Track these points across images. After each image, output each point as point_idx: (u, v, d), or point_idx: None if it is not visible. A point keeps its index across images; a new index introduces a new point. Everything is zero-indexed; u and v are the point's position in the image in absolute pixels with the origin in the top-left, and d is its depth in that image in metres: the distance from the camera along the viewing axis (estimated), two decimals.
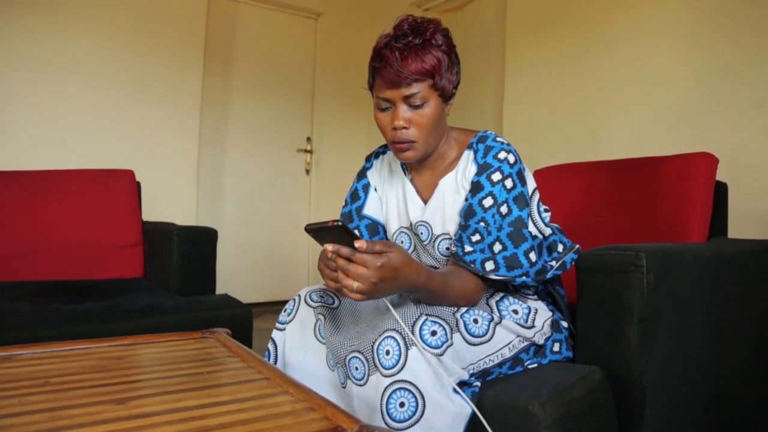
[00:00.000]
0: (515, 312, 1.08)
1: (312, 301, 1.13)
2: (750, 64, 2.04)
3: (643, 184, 1.55)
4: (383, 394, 0.88)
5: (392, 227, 1.23)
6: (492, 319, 1.02)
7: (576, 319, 1.13)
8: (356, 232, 1.22)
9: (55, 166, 2.51)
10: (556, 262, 1.13)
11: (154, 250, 2.19)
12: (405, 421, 0.87)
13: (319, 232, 0.84)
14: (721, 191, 1.48)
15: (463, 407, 0.90)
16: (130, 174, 2.34)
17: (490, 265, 1.03)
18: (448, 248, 1.14)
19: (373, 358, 0.91)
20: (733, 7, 2.10)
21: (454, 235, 1.11)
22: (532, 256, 1.05)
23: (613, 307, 1.05)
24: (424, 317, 0.94)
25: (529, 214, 1.08)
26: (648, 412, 1.01)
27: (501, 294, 1.12)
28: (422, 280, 0.91)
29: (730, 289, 1.24)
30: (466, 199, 1.09)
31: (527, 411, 0.89)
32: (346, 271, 0.85)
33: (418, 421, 0.87)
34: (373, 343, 0.92)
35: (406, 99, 1.03)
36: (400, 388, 0.88)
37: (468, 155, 1.13)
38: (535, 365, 1.09)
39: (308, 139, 3.94)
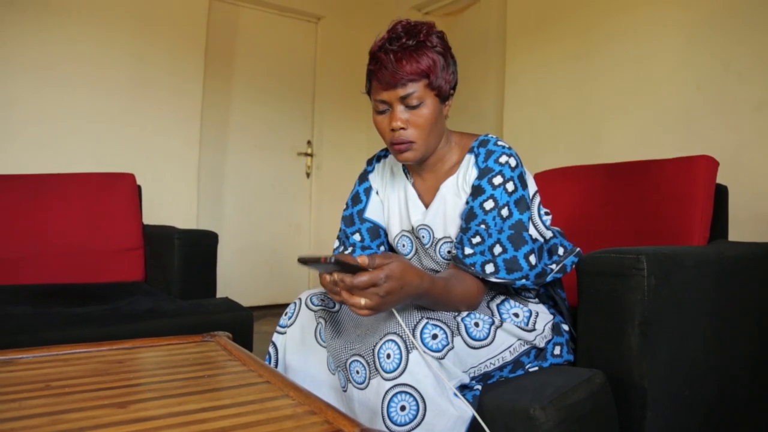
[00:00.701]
0: (516, 315, 1.08)
1: (313, 304, 1.13)
2: (750, 67, 2.05)
3: (644, 187, 1.55)
4: (384, 397, 0.88)
5: (394, 231, 1.23)
6: (493, 322, 1.02)
7: (577, 322, 1.13)
8: (349, 250, 1.22)
9: (56, 170, 2.51)
10: (557, 266, 1.13)
11: (155, 253, 2.19)
12: (406, 424, 0.87)
13: (312, 263, 0.82)
14: (721, 194, 1.48)
15: (464, 411, 0.90)
16: (131, 177, 2.34)
17: (490, 268, 1.03)
18: (449, 252, 1.14)
19: (374, 361, 0.91)
20: (733, 8, 2.11)
21: (455, 238, 1.11)
22: (532, 259, 1.05)
23: (614, 310, 1.05)
24: (425, 321, 0.94)
25: (530, 218, 1.08)
26: (649, 414, 1.01)
27: (502, 297, 1.12)
28: (426, 285, 0.91)
29: (731, 292, 1.24)
30: (467, 203, 1.09)
31: (528, 414, 0.89)
32: (351, 291, 0.84)
33: (419, 424, 0.87)
34: (374, 346, 0.92)
35: (403, 100, 1.04)
36: (401, 392, 0.88)
37: (469, 159, 1.13)
38: (536, 368, 1.09)
39: (309, 142, 3.95)
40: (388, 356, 0.90)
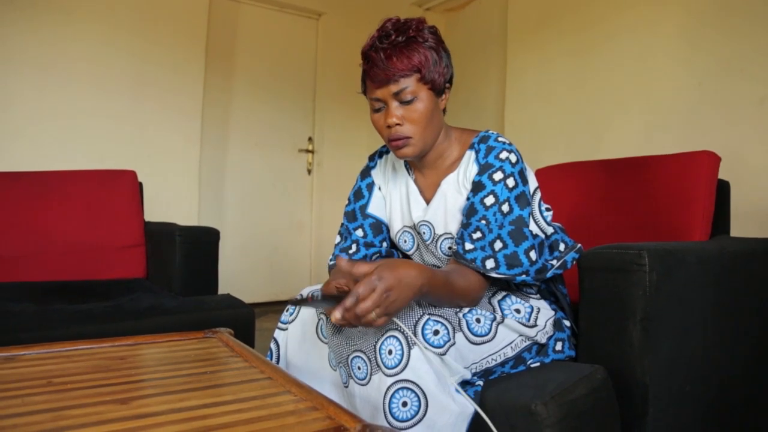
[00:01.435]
0: (517, 311, 1.08)
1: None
2: (752, 62, 2.04)
3: (646, 183, 1.55)
4: (386, 393, 0.88)
5: (395, 226, 1.23)
6: (494, 318, 1.02)
7: (578, 318, 1.13)
8: (352, 248, 1.22)
9: (58, 167, 2.51)
10: (557, 261, 1.13)
11: (157, 250, 2.19)
12: (408, 420, 0.87)
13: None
14: (723, 190, 1.48)
15: (466, 406, 0.90)
16: (132, 174, 2.34)
17: (490, 263, 1.03)
18: (450, 248, 1.14)
19: (376, 357, 0.91)
20: (735, 5, 2.10)
21: (456, 234, 1.11)
22: (533, 254, 1.05)
23: (616, 305, 1.04)
24: (426, 317, 0.94)
25: (530, 213, 1.08)
26: (651, 410, 1.01)
27: (503, 293, 1.12)
28: (426, 276, 0.90)
29: (733, 288, 1.24)
30: (468, 199, 1.09)
31: (530, 410, 0.89)
32: (358, 311, 0.81)
33: (420, 420, 0.87)
34: (376, 342, 0.92)
35: (397, 96, 1.04)
36: (402, 388, 0.88)
37: (470, 155, 1.13)
38: (538, 364, 1.09)
39: (310, 139, 3.94)
40: (390, 352, 0.90)
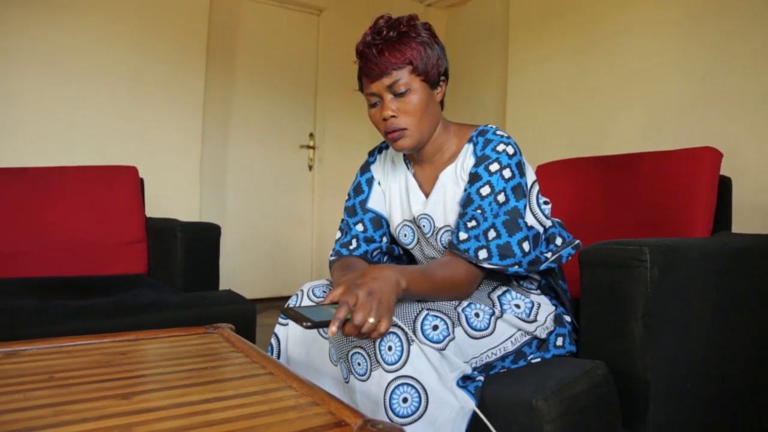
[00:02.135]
0: (517, 306, 1.08)
1: (314, 296, 1.13)
2: (754, 59, 2.03)
3: (647, 179, 1.55)
4: (386, 389, 0.88)
5: (395, 221, 1.23)
6: (493, 313, 1.02)
7: (579, 313, 1.13)
8: (353, 243, 1.22)
9: (59, 163, 2.51)
10: (552, 254, 1.12)
11: (158, 246, 2.19)
12: (408, 416, 0.87)
13: (291, 314, 0.82)
14: (725, 185, 1.47)
15: (467, 402, 0.91)
16: (133, 171, 2.34)
17: (483, 254, 1.03)
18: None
19: (375, 353, 0.91)
20: (735, 3, 2.09)
21: (454, 225, 1.11)
22: (526, 246, 1.04)
23: (617, 301, 1.04)
24: (425, 312, 0.94)
25: (526, 205, 1.08)
26: (651, 406, 1.01)
27: (504, 288, 1.12)
28: (398, 270, 0.90)
29: (735, 284, 1.24)
30: (465, 190, 1.09)
31: (531, 405, 0.89)
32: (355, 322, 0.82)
33: (421, 416, 0.87)
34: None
35: (390, 88, 1.06)
36: (403, 384, 0.88)
37: (468, 148, 1.13)
38: (539, 359, 1.09)
39: (311, 135, 3.94)
40: (390, 348, 0.90)
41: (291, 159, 3.88)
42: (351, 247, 1.23)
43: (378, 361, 0.90)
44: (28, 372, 0.86)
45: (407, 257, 1.33)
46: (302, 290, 1.15)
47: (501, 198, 1.05)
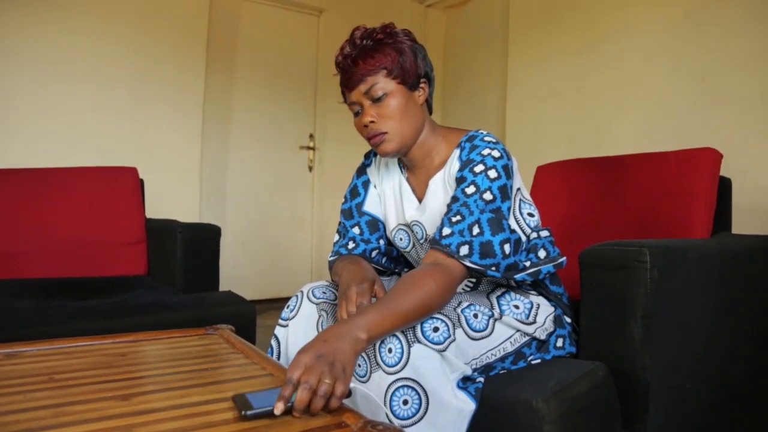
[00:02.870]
0: (516, 307, 1.08)
1: (315, 297, 1.13)
2: (755, 59, 2.03)
3: (647, 180, 1.55)
4: (387, 391, 0.88)
5: (391, 224, 1.23)
6: (492, 314, 1.02)
7: (579, 314, 1.13)
8: (350, 245, 1.21)
9: (59, 164, 2.51)
10: (531, 266, 1.10)
11: (158, 247, 2.19)
12: (409, 418, 0.87)
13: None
14: (725, 186, 1.47)
15: (468, 403, 0.91)
16: (133, 171, 2.34)
17: (464, 250, 1.00)
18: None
19: (375, 355, 0.91)
20: (735, 2, 2.09)
21: None
22: (507, 248, 1.02)
23: (617, 302, 1.04)
24: None
25: (509, 208, 1.07)
26: (651, 407, 1.01)
27: (502, 289, 1.12)
28: (353, 318, 0.86)
29: (734, 285, 1.24)
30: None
31: (531, 406, 0.89)
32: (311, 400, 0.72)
33: (422, 418, 0.87)
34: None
35: (367, 94, 1.08)
36: (403, 386, 0.88)
37: (456, 154, 1.13)
38: (539, 360, 1.09)
39: (311, 136, 3.94)
40: (390, 350, 0.90)
41: (291, 160, 3.88)
42: (349, 247, 1.23)
43: (378, 363, 0.90)
44: (29, 373, 0.86)
45: (405, 258, 1.33)
46: (302, 291, 1.16)
47: (487, 196, 1.03)
